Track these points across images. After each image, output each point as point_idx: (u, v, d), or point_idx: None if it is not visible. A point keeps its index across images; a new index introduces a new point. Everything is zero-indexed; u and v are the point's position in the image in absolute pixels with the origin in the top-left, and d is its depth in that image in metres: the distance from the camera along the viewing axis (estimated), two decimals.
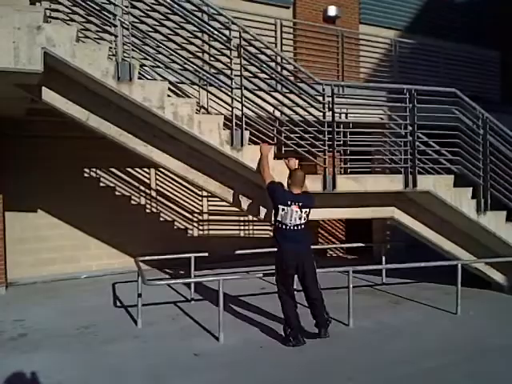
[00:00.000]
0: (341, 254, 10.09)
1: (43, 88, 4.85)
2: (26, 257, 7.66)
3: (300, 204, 4.83)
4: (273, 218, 5.05)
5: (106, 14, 4.88)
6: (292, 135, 5.58)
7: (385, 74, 9.11)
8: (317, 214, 6.23)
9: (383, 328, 5.44)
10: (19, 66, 4.21)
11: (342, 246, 9.71)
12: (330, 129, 5.58)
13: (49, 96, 4.90)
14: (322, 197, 5.67)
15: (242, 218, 9.54)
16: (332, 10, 9.81)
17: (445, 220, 6.56)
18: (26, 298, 6.76)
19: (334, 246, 9.90)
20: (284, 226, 4.82)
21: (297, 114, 5.55)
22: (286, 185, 5.06)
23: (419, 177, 5.99)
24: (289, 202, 4.80)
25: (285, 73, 5.90)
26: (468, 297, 6.24)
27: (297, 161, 5.34)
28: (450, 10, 11.49)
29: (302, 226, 4.87)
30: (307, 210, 4.89)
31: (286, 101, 5.61)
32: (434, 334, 5.26)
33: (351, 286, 5.45)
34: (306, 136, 5.57)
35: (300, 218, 4.83)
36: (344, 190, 5.69)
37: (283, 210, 4.79)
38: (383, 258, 7.34)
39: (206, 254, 6.83)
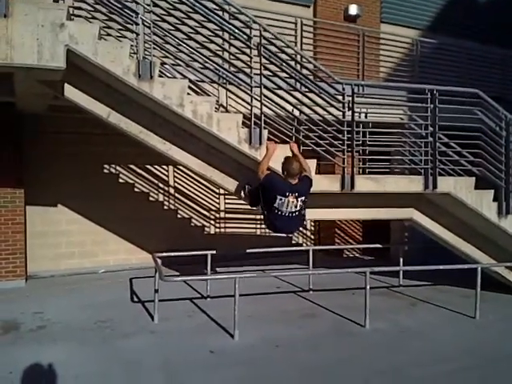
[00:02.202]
0: (357, 255, 10.02)
1: (66, 85, 4.92)
2: (45, 250, 7.80)
3: (296, 194, 4.92)
4: (262, 205, 5.14)
5: (128, 12, 4.93)
6: (311, 134, 5.56)
7: (405, 73, 9.01)
8: (334, 214, 6.24)
9: (399, 330, 5.39)
10: (42, 63, 4.28)
11: (359, 246, 9.65)
12: (350, 128, 5.55)
13: (71, 92, 4.97)
14: (340, 197, 5.65)
15: (258, 217, 9.52)
16: (353, 9, 9.73)
17: (464, 222, 6.46)
18: (45, 291, 6.88)
19: (351, 246, 9.83)
20: (279, 212, 4.95)
21: (316, 113, 5.52)
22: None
23: (439, 178, 5.92)
24: (287, 193, 4.88)
25: (304, 72, 5.88)
26: (487, 300, 6.14)
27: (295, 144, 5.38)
28: (473, 9, 11.29)
29: (297, 213, 5.01)
30: (303, 197, 4.98)
31: (306, 100, 5.59)
32: (451, 337, 5.20)
33: (368, 287, 5.41)
34: (325, 135, 5.54)
35: (296, 207, 4.96)
36: (362, 190, 5.65)
37: (280, 199, 4.89)
38: (401, 260, 7.27)
39: (223, 252, 6.86)
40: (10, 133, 6.86)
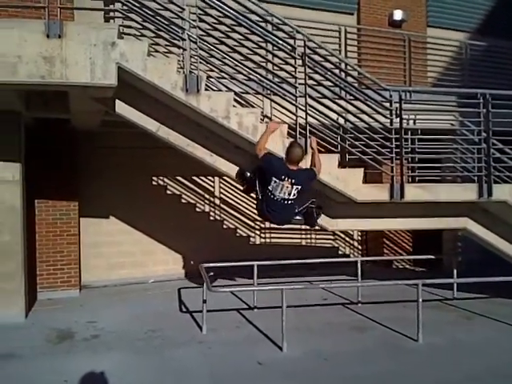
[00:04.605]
0: (408, 266, 9.70)
1: (117, 101, 5.09)
2: (98, 261, 8.07)
3: (293, 181, 4.75)
4: (258, 188, 4.99)
5: (174, 28, 5.07)
6: (357, 143, 5.47)
7: (454, 77, 8.73)
8: (383, 224, 6.09)
9: (454, 345, 5.16)
10: (95, 81, 4.45)
11: (410, 257, 9.35)
12: (398, 136, 5.42)
13: (122, 108, 5.14)
14: (389, 206, 5.51)
15: (303, 227, 9.46)
16: (398, 14, 9.56)
17: None
18: (98, 301, 7.10)
19: (401, 257, 9.55)
20: (272, 196, 4.80)
21: (362, 121, 5.44)
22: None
23: (495, 186, 5.67)
24: (282, 177, 4.73)
25: (349, 79, 5.81)
26: None
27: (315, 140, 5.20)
28: None
29: (290, 202, 4.82)
30: (299, 187, 4.79)
31: (351, 108, 5.52)
32: (508, 353, 4.91)
33: (420, 299, 5.21)
34: (372, 143, 5.44)
35: (289, 194, 4.78)
36: (413, 199, 5.49)
37: (275, 182, 4.74)
38: (454, 271, 6.97)
39: (269, 263, 6.84)
40: (65, 148, 7.18)
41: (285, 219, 5.08)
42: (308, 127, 5.28)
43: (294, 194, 4.80)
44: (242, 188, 5.52)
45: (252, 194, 5.39)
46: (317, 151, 5.10)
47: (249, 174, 5.11)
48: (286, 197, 4.78)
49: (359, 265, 7.07)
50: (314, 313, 6.33)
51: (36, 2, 5.37)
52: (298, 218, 5.10)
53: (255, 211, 8.58)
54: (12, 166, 5.91)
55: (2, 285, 5.89)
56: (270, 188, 4.79)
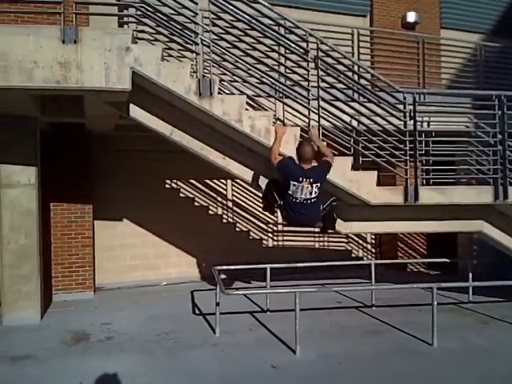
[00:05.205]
0: (422, 269, 9.61)
1: (131, 105, 5.15)
2: (111, 263, 8.15)
3: (311, 180, 4.78)
4: (277, 198, 5.02)
5: (187, 32, 5.10)
6: (370, 145, 5.45)
7: (469, 79, 8.65)
8: (397, 227, 6.04)
9: (469, 349, 5.09)
10: (110, 85, 4.51)
11: (425, 260, 9.26)
12: (412, 138, 5.38)
13: (136, 112, 5.19)
14: (404, 209, 5.47)
15: (317, 230, 9.42)
16: (411, 16, 9.50)
17: None
18: (112, 303, 7.15)
19: (415, 260, 9.46)
20: (294, 199, 4.81)
21: (376, 123, 5.41)
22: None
23: (511, 188, 5.58)
24: (300, 179, 4.75)
25: (363, 82, 5.79)
26: None
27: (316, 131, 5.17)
28: None
29: (313, 200, 4.84)
30: (318, 184, 4.82)
31: (364, 110, 5.50)
32: None
33: (435, 303, 5.16)
34: (386, 146, 5.41)
35: (311, 193, 4.80)
36: (427, 202, 5.45)
37: (294, 185, 4.77)
38: (470, 275, 6.88)
39: (282, 265, 6.84)
40: (79, 152, 7.26)
41: (314, 218, 5.07)
42: (321, 130, 5.27)
43: (316, 192, 4.83)
44: (262, 206, 5.59)
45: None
46: (321, 143, 5.09)
47: (264, 188, 5.18)
48: (308, 196, 4.81)
49: (373, 268, 7.02)
50: (327, 316, 6.30)
51: (51, 8, 5.44)
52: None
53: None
54: (28, 170, 6.00)
55: (19, 287, 5.98)
56: (290, 192, 4.83)
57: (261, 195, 5.42)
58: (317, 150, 5.05)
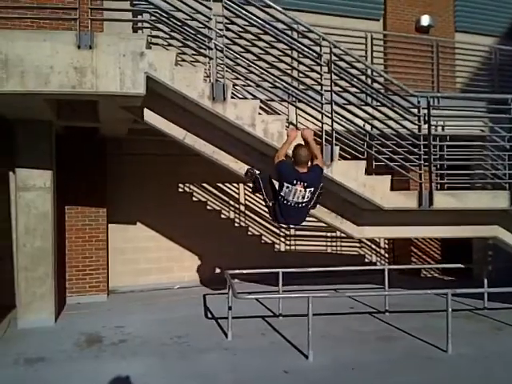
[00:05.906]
0: (436, 275, 9.50)
1: (145, 109, 5.19)
2: (125, 266, 8.19)
3: (305, 184, 4.64)
4: (268, 195, 4.88)
5: (201, 37, 5.14)
6: (384, 149, 5.41)
7: (483, 83, 8.56)
8: (411, 232, 5.99)
9: (484, 356, 5.02)
10: (124, 90, 4.55)
11: (439, 266, 9.15)
12: (426, 142, 5.34)
13: (150, 117, 5.23)
14: (418, 214, 5.42)
15: (329, 234, 9.40)
16: (425, 20, 9.44)
17: None
18: (125, 306, 7.19)
19: (430, 266, 9.35)
20: (285, 202, 4.70)
21: (389, 127, 5.38)
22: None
23: None
24: (294, 181, 4.63)
25: (376, 86, 5.77)
26: None
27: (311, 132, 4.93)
28: None
29: (304, 204, 4.73)
30: (312, 189, 4.68)
31: (378, 114, 5.47)
32: None
33: (450, 309, 5.09)
34: (399, 150, 5.37)
35: (303, 197, 4.67)
36: (442, 206, 5.40)
37: (287, 187, 4.64)
38: (485, 281, 6.78)
39: (294, 270, 6.81)
40: (94, 156, 7.34)
41: (302, 219, 4.98)
42: (334, 134, 5.26)
43: (308, 197, 4.72)
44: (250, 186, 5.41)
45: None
46: (313, 142, 4.84)
47: (258, 173, 5.04)
48: (300, 200, 4.69)
49: (386, 273, 6.96)
50: (340, 321, 6.25)
51: (66, 14, 5.52)
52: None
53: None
54: (44, 174, 6.07)
55: (33, 289, 6.05)
56: (282, 194, 4.71)
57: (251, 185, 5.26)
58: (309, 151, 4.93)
